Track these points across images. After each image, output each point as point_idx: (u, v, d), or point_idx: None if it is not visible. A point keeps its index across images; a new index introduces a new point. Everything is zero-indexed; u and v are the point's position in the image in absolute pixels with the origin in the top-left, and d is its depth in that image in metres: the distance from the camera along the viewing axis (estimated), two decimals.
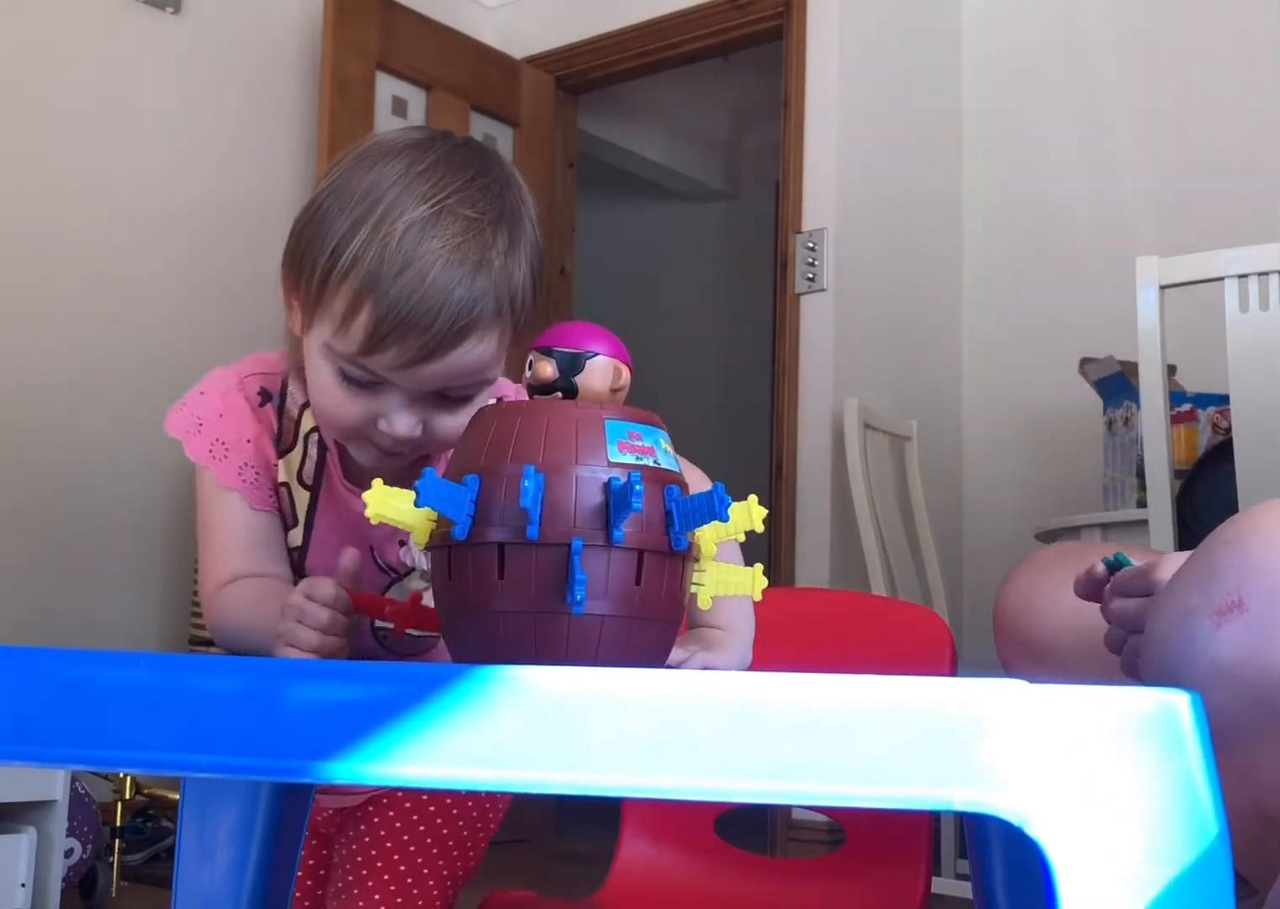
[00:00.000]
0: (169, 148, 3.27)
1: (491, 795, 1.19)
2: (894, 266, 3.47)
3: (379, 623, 1.07)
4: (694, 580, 0.75)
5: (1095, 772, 0.41)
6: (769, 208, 4.80)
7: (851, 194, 3.35)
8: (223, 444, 1.04)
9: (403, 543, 1.04)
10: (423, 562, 1.07)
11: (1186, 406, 2.63)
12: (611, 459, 0.69)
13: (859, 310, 3.34)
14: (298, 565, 1.07)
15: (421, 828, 1.15)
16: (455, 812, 1.17)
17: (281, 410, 1.06)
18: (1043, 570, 1.14)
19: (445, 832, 1.16)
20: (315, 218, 0.94)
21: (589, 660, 0.68)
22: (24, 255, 2.99)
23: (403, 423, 0.94)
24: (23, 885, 2.24)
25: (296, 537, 1.06)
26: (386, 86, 3.55)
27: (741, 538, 0.75)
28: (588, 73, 3.93)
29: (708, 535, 0.74)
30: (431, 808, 1.16)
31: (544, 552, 0.68)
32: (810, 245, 3.30)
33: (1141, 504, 2.59)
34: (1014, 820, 0.40)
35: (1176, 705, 0.43)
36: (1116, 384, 2.78)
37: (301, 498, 1.05)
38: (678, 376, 5.10)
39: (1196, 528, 2.21)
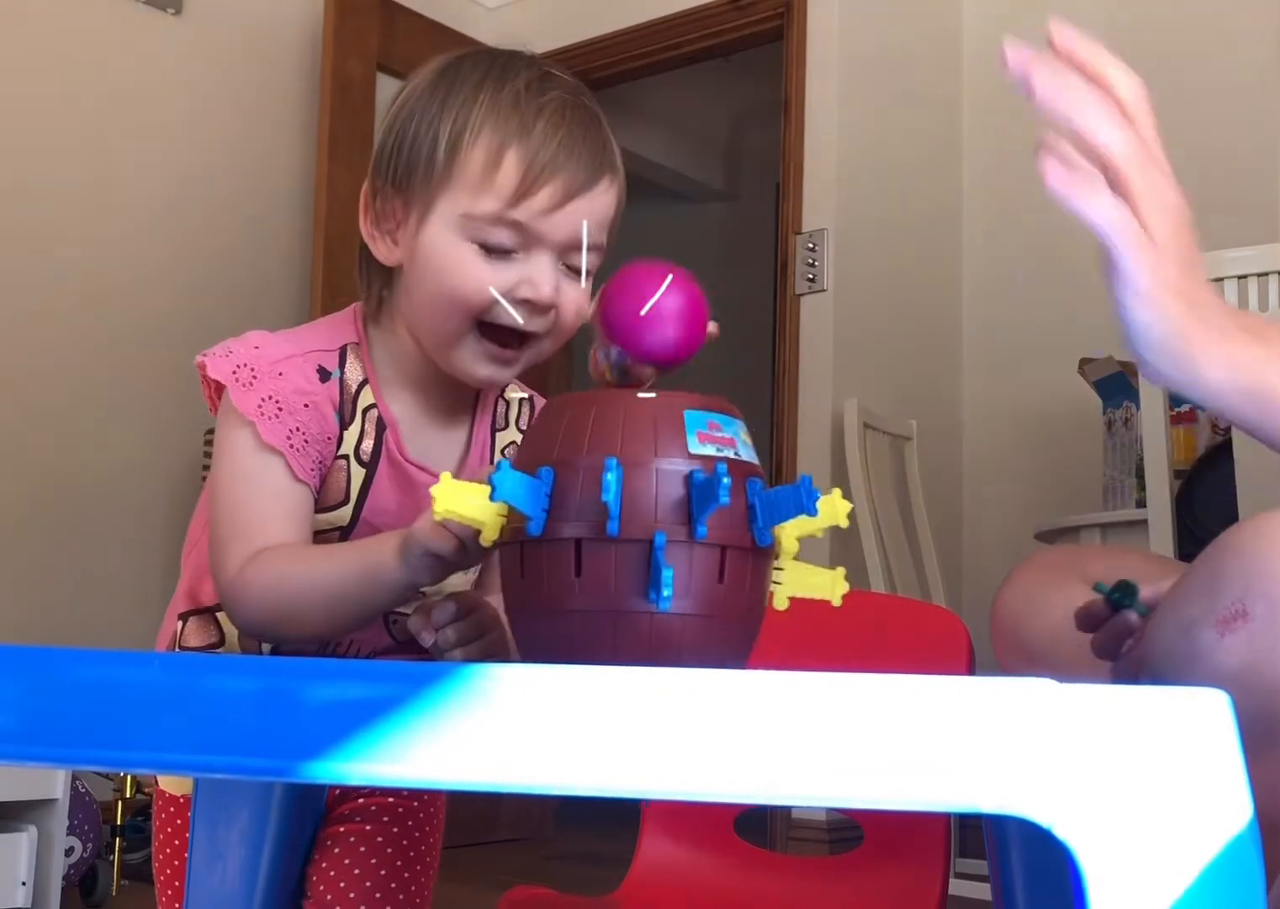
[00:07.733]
0: (169, 148, 3.27)
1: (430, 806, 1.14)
2: (894, 267, 3.46)
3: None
4: (772, 578, 0.70)
5: (1125, 772, 0.41)
6: (769, 208, 4.79)
7: (851, 194, 3.35)
8: (275, 402, 0.96)
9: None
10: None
11: (1186, 407, 2.63)
12: (692, 451, 0.66)
13: (859, 311, 3.34)
14: None
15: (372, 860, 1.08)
16: (397, 830, 1.10)
17: (341, 384, 1.01)
18: (1041, 573, 1.14)
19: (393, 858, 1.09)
20: (412, 114, 0.98)
21: (670, 661, 0.65)
22: (24, 255, 2.99)
23: (547, 281, 0.95)
24: (23, 884, 2.24)
25: (344, 515, 1.00)
26: (387, 86, 3.54)
27: (821, 534, 0.71)
28: (588, 73, 3.91)
29: (789, 531, 0.70)
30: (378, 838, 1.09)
31: (623, 548, 0.64)
32: (810, 246, 3.30)
33: (1141, 504, 2.59)
34: (1042, 822, 0.39)
35: (1208, 704, 0.43)
36: (1116, 384, 2.79)
37: (357, 475, 1.01)
38: (677, 377, 5.09)
39: (1195, 528, 2.21)
